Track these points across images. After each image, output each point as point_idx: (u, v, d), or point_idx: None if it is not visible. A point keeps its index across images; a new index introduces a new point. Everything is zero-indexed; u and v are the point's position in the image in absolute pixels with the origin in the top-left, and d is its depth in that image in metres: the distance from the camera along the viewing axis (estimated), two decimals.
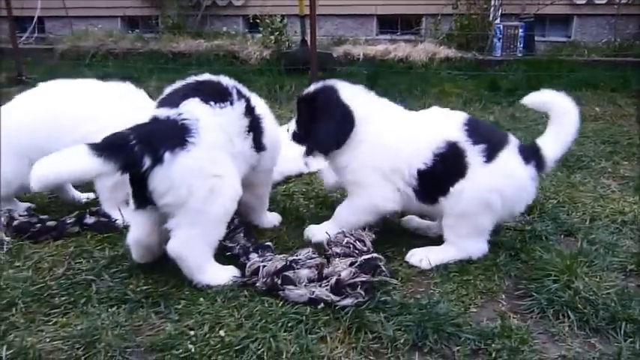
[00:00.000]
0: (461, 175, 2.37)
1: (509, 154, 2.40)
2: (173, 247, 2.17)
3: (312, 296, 2.08)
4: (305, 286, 2.13)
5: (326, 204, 3.06)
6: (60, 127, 2.73)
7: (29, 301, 2.09)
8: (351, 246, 2.38)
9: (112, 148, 2.03)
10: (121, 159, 2.02)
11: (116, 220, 2.76)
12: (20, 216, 2.72)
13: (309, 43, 6.71)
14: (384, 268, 2.21)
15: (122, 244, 2.52)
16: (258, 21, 8.08)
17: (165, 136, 2.12)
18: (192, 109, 2.22)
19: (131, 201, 2.27)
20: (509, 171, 2.38)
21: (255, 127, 2.43)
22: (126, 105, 2.81)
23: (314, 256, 2.30)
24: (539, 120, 4.98)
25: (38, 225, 2.67)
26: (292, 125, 2.68)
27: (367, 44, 8.10)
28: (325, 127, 2.47)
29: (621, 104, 5.54)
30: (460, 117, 2.47)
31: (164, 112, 2.22)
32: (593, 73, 6.57)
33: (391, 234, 2.66)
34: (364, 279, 2.11)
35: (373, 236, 2.51)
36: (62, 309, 2.06)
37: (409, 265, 2.40)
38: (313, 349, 1.83)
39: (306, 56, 6.74)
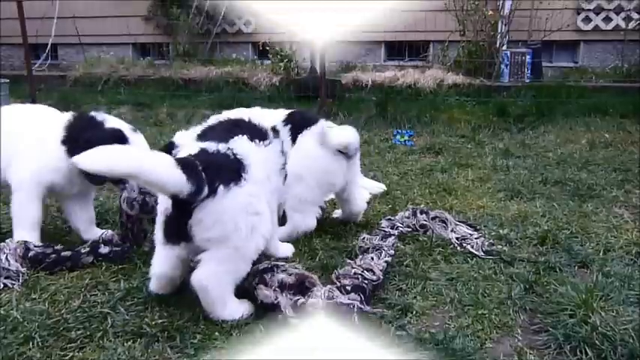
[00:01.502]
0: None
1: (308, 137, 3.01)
2: (200, 279, 2.13)
3: (275, 302, 2.17)
4: (274, 290, 2.21)
5: (338, 235, 3.07)
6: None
7: (46, 335, 2.09)
8: (360, 277, 2.39)
9: (189, 168, 2.00)
10: (195, 182, 1.99)
11: (128, 245, 2.80)
12: (35, 247, 2.74)
13: (318, 70, 6.80)
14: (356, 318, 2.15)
15: (137, 276, 2.55)
16: (267, 48, 8.19)
17: (221, 169, 2.12)
18: (242, 146, 2.28)
19: (159, 235, 2.23)
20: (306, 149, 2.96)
21: (286, 164, 2.58)
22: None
23: (298, 266, 2.40)
24: (549, 147, 5.01)
25: (53, 255, 2.69)
26: None
27: (375, 70, 8.17)
28: None
29: (631, 130, 5.53)
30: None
31: (212, 146, 2.23)
32: (601, 99, 6.58)
33: (405, 267, 2.67)
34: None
35: (384, 265, 2.53)
36: (78, 343, 2.06)
37: (424, 298, 2.39)
38: None
39: (315, 83, 6.82)
